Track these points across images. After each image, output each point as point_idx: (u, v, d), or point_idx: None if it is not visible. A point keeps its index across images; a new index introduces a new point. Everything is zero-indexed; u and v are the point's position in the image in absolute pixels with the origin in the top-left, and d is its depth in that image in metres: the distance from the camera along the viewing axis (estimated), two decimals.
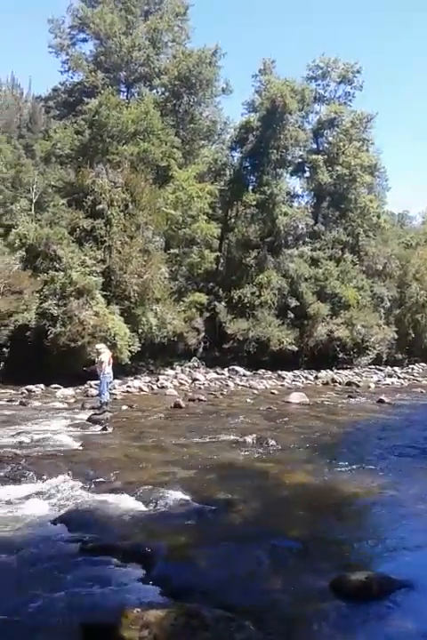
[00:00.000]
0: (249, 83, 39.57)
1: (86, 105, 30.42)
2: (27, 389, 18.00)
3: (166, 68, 33.39)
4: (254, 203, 31.92)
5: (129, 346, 21.65)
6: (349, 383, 24.62)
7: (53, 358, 19.53)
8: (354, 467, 9.15)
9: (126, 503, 6.90)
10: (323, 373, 27.89)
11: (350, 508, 7.30)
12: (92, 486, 7.57)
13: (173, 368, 26.18)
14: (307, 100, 34.40)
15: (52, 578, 4.81)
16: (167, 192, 28.72)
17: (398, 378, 28.24)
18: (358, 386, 23.77)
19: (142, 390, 19.83)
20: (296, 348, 30.12)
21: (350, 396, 19.73)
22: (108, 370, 14.27)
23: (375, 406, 17.69)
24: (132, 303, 23.03)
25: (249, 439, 10.80)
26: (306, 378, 26.49)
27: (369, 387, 23.82)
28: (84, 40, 35.29)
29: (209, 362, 28.29)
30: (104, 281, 22.16)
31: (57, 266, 21.34)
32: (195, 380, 23.37)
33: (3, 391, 18.06)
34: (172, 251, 29.22)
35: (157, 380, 21.97)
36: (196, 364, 27.88)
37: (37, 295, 20.92)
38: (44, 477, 7.72)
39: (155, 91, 34.61)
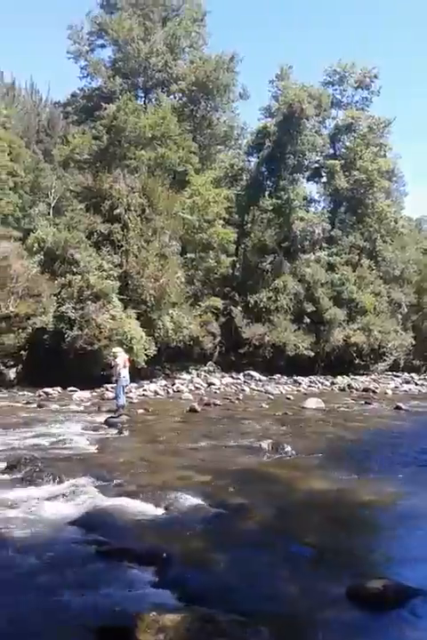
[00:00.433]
0: (266, 88, 39.60)
1: (104, 110, 30.69)
2: (44, 392, 18.19)
3: (184, 73, 33.49)
4: (271, 208, 32.01)
5: (145, 350, 21.73)
6: (365, 389, 24.49)
7: (70, 361, 19.71)
8: (370, 474, 9.09)
9: (142, 506, 6.92)
10: (339, 379, 27.77)
11: (365, 516, 7.24)
12: (108, 489, 7.59)
13: (188, 372, 26.25)
14: (324, 105, 34.38)
15: (67, 579, 4.84)
16: (184, 197, 28.81)
17: (416, 384, 28.03)
18: (374, 392, 23.62)
19: (158, 394, 19.92)
20: (312, 354, 30.01)
21: (366, 403, 19.62)
22: (124, 373, 14.28)
23: (392, 413, 17.56)
24: (148, 307, 23.13)
25: (264, 444, 10.73)
26: (322, 383, 26.39)
27: (386, 393, 23.65)
28: (103, 46, 35.61)
29: (225, 366, 28.29)
30: (121, 285, 22.37)
31: (74, 270, 21.58)
32: (210, 384, 23.42)
33: (20, 394, 18.30)
34: (188, 255, 29.28)
35: (173, 384, 22.06)
36: (211, 368, 27.91)
37: (55, 298, 21.18)
38: (61, 479, 7.79)
39: (172, 96, 34.75)
